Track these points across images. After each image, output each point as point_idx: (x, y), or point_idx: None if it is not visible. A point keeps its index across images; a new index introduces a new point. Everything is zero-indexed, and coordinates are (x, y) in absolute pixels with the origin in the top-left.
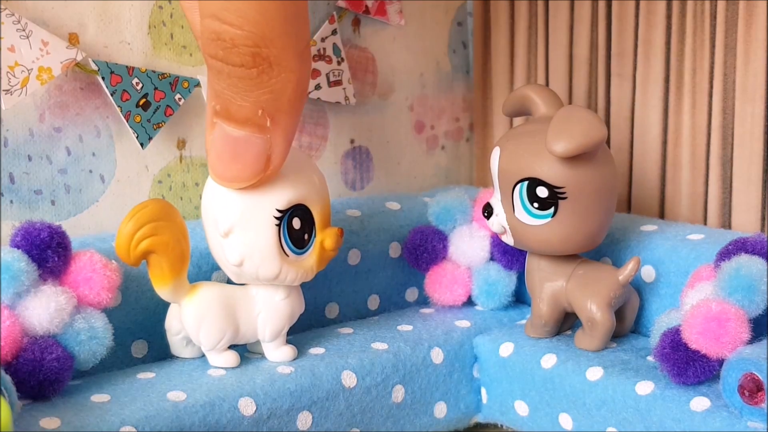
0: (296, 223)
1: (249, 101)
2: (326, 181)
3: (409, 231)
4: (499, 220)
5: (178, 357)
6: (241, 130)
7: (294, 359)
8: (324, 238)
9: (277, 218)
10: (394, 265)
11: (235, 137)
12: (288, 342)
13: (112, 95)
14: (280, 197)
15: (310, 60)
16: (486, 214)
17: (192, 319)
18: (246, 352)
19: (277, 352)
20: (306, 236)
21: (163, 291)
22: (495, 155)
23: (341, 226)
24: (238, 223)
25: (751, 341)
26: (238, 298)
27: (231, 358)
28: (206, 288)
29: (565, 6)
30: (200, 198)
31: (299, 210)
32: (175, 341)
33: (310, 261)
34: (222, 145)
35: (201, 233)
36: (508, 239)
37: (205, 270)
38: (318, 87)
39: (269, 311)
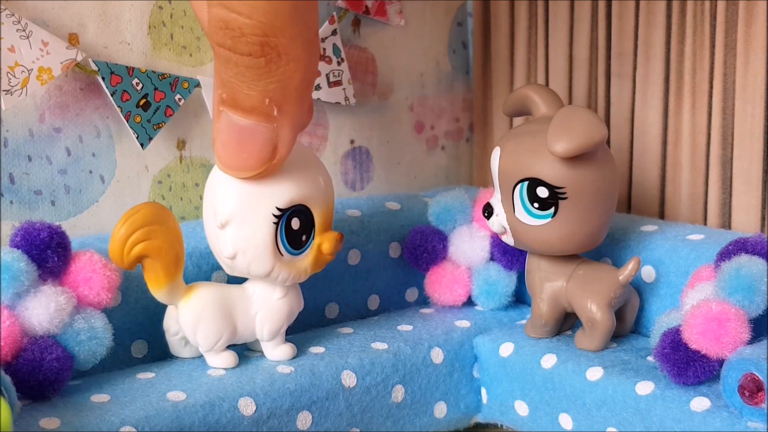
0: (295, 223)
1: (256, 90)
2: (332, 184)
3: (409, 231)
4: (499, 220)
5: (177, 357)
6: (248, 118)
7: (293, 358)
8: (323, 242)
9: (276, 216)
10: (394, 265)
11: (241, 126)
12: (287, 342)
13: (112, 95)
14: (282, 195)
15: (318, 50)
16: (486, 214)
17: (189, 320)
18: (246, 350)
19: (276, 351)
20: (304, 237)
21: (158, 294)
22: (495, 155)
23: (341, 226)
24: (236, 215)
25: (751, 341)
26: (235, 298)
27: (229, 358)
28: (203, 289)
29: (565, 6)
30: (200, 198)
31: (300, 210)
32: (174, 341)
33: (305, 262)
34: (228, 134)
35: (201, 233)
36: (509, 239)
37: (205, 270)
38: (318, 87)
39: (267, 310)
